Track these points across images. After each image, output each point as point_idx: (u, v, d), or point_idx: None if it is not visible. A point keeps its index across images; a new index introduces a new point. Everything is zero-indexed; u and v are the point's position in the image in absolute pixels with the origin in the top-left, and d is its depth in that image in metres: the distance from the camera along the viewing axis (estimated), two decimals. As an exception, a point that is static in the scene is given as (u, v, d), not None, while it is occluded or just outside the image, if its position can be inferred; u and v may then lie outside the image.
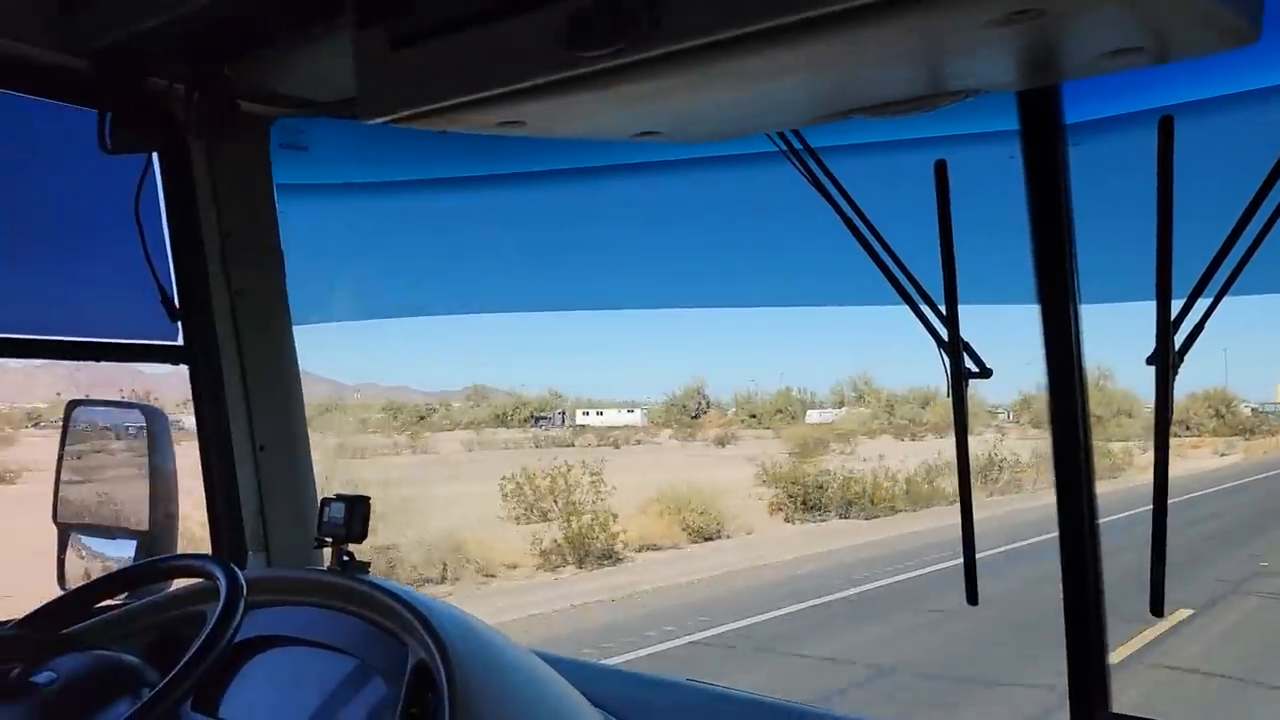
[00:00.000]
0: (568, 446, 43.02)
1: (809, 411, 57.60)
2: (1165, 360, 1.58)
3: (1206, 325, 1.57)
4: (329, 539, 1.63)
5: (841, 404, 59.12)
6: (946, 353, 1.81)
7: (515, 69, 1.06)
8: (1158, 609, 1.69)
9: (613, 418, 59.84)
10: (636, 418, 59.57)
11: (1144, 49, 1.07)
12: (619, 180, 2.24)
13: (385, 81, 1.17)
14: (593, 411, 61.87)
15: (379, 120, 1.20)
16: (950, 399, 1.87)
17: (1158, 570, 1.65)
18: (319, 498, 1.73)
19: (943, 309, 1.80)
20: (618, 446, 45.29)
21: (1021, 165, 1.76)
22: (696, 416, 59.23)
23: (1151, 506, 1.64)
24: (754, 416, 56.12)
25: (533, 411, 60.32)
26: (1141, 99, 1.74)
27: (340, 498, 1.64)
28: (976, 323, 1.83)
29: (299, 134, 2.31)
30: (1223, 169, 1.74)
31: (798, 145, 1.81)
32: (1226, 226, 1.51)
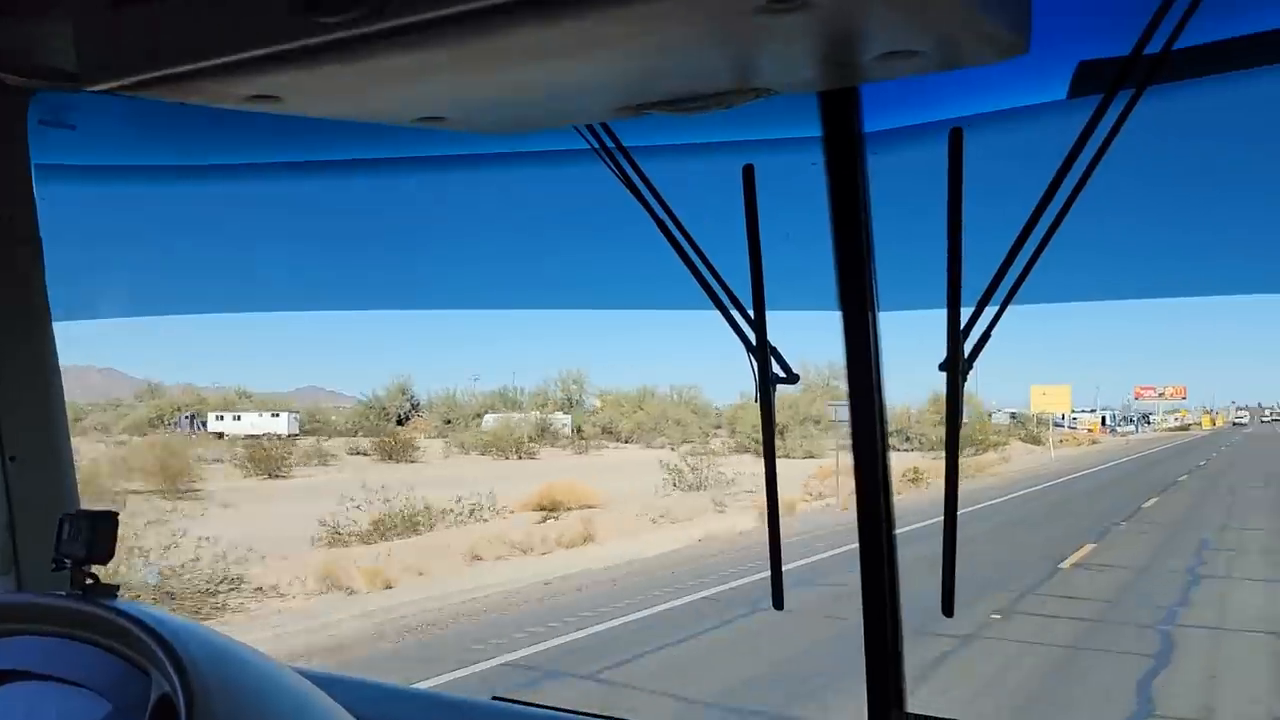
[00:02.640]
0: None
1: (486, 416, 53.31)
2: (955, 366, 1.61)
3: (993, 333, 1.61)
4: (67, 559, 1.45)
5: (544, 405, 56.97)
6: (754, 357, 1.80)
7: (249, 34, 0.95)
8: (949, 609, 1.73)
9: (254, 423, 49.14)
10: (282, 423, 49.05)
11: (922, 54, 1.06)
12: (421, 173, 2.12)
13: (108, 44, 1.04)
14: (229, 415, 51.55)
15: (103, 87, 1.06)
16: (759, 402, 1.86)
17: (948, 574, 1.68)
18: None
19: (751, 313, 1.79)
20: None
21: (824, 172, 1.77)
22: (402, 421, 52.15)
23: (943, 515, 1.66)
24: (449, 422, 51.10)
25: (189, 414, 52.56)
26: (935, 111, 1.78)
27: (83, 514, 1.46)
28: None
29: (64, 110, 2.08)
30: (1011, 181, 1.79)
31: (610, 144, 1.76)
32: (1013, 237, 1.55)
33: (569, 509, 25.22)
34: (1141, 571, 16.22)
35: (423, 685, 9.25)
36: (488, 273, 2.62)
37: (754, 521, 21.85)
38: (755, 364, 1.79)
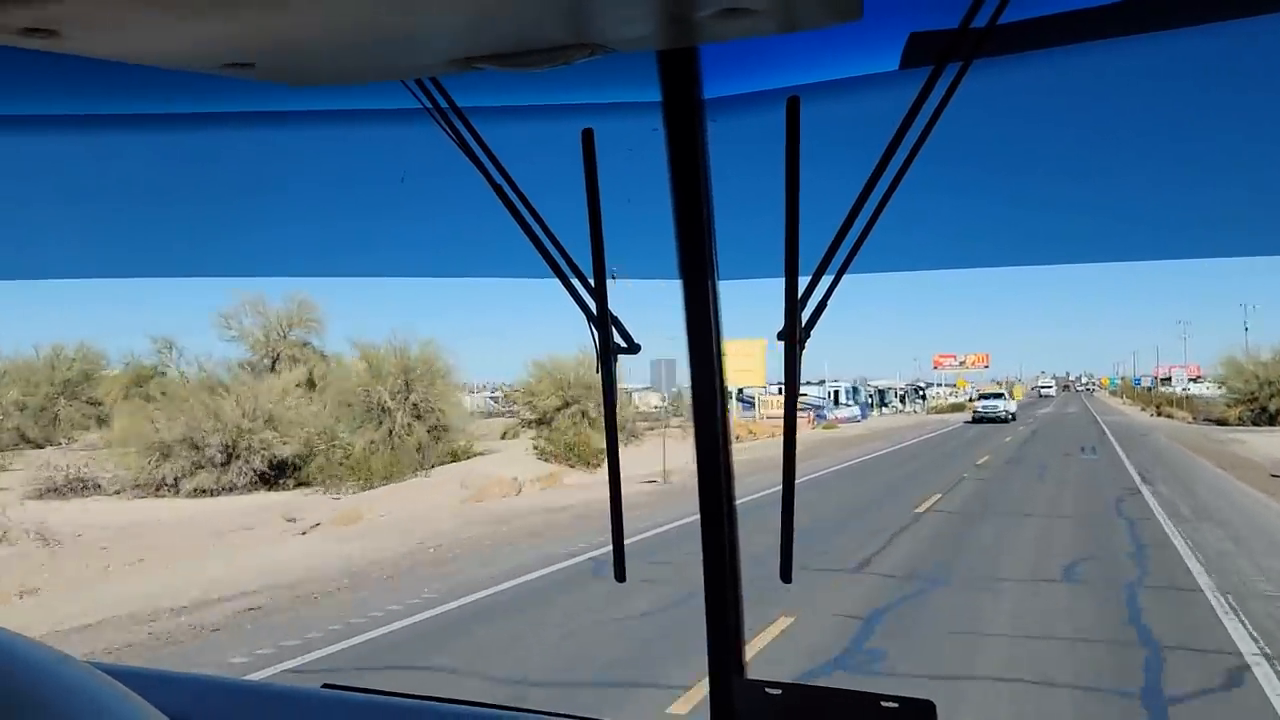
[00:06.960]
0: None
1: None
2: (794, 335, 1.62)
3: (829, 302, 1.63)
4: None
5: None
6: (595, 326, 1.76)
7: None
8: (787, 576, 1.75)
9: None
10: None
11: (758, 13, 1.04)
12: (236, 130, 1.95)
13: None
14: None
15: None
16: (600, 373, 1.84)
17: (787, 541, 1.70)
18: None
19: (592, 282, 1.75)
20: None
21: (664, 138, 1.74)
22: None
23: (781, 483, 1.68)
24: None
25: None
26: (773, 79, 1.78)
27: None
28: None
29: None
30: (848, 151, 1.81)
31: (444, 104, 1.67)
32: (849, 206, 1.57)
33: None
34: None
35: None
36: (313, 239, 2.46)
37: None
38: (596, 334, 1.76)
